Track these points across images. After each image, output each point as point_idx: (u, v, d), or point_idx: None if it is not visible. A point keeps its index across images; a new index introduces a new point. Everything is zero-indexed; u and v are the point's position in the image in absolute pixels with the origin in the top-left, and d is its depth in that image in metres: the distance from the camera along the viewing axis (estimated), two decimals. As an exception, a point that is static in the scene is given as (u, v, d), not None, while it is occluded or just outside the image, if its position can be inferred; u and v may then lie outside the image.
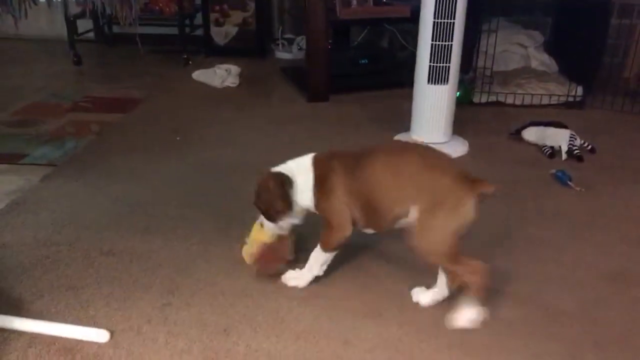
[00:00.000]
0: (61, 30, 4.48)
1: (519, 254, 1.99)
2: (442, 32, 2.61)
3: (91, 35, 4.85)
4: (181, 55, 4.34)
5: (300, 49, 4.50)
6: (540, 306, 1.73)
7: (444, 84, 2.72)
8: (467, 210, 1.53)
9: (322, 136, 3.03)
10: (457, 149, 2.82)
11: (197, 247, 2.02)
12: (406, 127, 2.94)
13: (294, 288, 1.80)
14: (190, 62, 4.30)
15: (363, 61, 3.83)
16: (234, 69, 3.89)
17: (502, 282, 1.80)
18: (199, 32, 4.62)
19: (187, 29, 4.48)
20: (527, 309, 1.72)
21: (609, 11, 3.44)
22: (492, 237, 2.06)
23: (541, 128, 2.87)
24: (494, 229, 2.11)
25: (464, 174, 1.56)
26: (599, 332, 1.63)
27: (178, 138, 2.97)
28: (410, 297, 1.74)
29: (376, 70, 3.87)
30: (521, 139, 2.93)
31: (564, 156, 2.74)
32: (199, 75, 3.95)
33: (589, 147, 2.80)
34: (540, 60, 3.84)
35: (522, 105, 3.44)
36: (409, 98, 2.89)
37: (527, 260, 1.95)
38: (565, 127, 2.85)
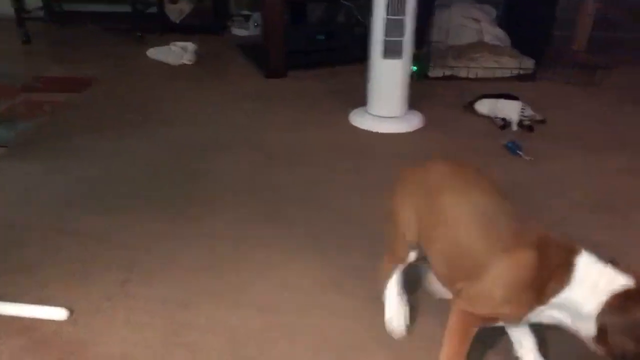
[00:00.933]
0: (8, 8, 4.33)
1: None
2: (395, 6, 2.64)
3: (41, 13, 4.70)
4: (135, 33, 4.25)
5: (257, 25, 4.46)
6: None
7: (398, 58, 2.76)
8: None
9: (280, 112, 3.04)
10: (412, 122, 2.87)
11: (156, 224, 2.02)
12: (362, 102, 2.98)
13: (254, 263, 1.83)
14: (145, 40, 4.22)
15: (320, 37, 3.84)
16: (190, 46, 3.84)
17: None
18: (154, 9, 4.53)
19: (141, 7, 4.38)
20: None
21: (558, -15, 3.54)
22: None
23: (493, 100, 2.95)
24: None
25: None
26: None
27: (134, 117, 2.94)
28: (369, 270, 1.78)
29: (333, 46, 3.88)
30: (474, 111, 3.00)
31: (514, 127, 2.83)
32: (154, 53, 3.89)
33: (539, 118, 2.89)
34: (493, 34, 3.92)
35: (476, 79, 3.51)
36: (364, 73, 2.93)
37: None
38: (516, 98, 2.93)
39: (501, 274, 1.20)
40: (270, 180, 2.34)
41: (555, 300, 1.17)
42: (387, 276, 1.54)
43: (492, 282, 1.20)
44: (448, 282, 1.36)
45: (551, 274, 1.16)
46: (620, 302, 1.10)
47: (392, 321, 1.53)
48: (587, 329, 1.15)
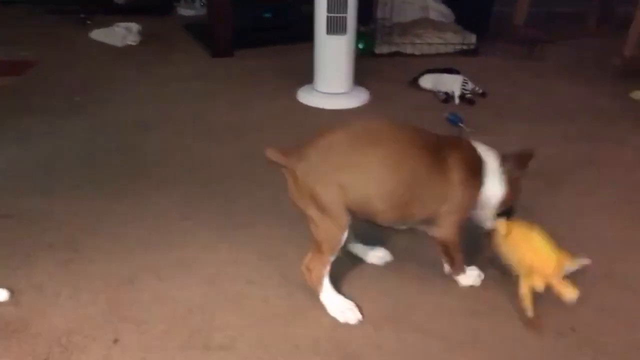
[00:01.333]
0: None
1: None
2: (337, -18, 2.67)
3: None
4: (78, 15, 4.15)
5: (203, 5, 4.41)
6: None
7: (342, 34, 2.79)
8: None
9: (227, 91, 3.04)
10: (358, 98, 2.92)
11: (100, 203, 2.01)
12: (309, 79, 3.00)
13: (199, 238, 1.85)
14: (88, 22, 4.13)
15: (267, 15, 3.83)
16: (135, 27, 3.78)
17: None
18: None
19: (83, -13, 4.28)
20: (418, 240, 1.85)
21: (498, -39, 3.62)
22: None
23: (436, 75, 3.02)
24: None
25: None
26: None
27: (77, 98, 2.89)
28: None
29: (281, 24, 3.88)
30: (418, 86, 3.07)
31: (457, 100, 2.91)
32: (98, 34, 3.81)
33: (480, 91, 2.98)
34: (438, 10, 3.99)
35: (421, 55, 3.58)
36: (312, 51, 2.95)
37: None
38: (458, 73, 3.01)
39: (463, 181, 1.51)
40: (215, 157, 2.35)
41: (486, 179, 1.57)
42: (322, 275, 1.53)
43: (462, 194, 1.52)
44: (404, 218, 1.54)
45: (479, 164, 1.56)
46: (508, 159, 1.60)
47: (345, 314, 1.53)
48: (496, 189, 1.57)
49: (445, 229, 1.57)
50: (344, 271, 1.68)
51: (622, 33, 3.33)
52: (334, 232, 1.48)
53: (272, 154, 1.49)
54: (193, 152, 2.39)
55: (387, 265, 1.74)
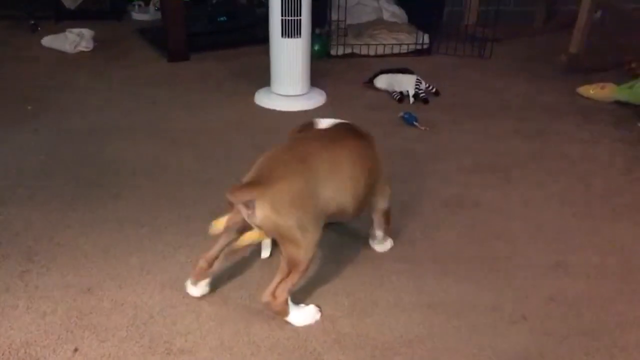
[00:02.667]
0: None
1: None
2: (290, -14, 2.69)
3: None
4: (28, 21, 4.06)
5: (158, 9, 4.37)
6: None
7: (297, 37, 2.81)
8: None
9: (183, 95, 3.02)
10: (315, 99, 2.95)
11: (56, 213, 1.99)
12: (266, 82, 3.02)
13: (157, 245, 1.85)
14: (39, 28, 4.04)
15: (221, 18, 3.83)
16: (87, 32, 3.72)
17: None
18: (47, -5, 4.33)
19: (32, -7, 4.19)
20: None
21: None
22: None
23: (390, 75, 3.08)
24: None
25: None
26: (437, 250, 1.85)
27: (29, 107, 2.83)
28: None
29: (236, 27, 3.88)
30: (374, 87, 3.12)
31: (411, 100, 2.97)
32: (49, 41, 3.74)
33: (434, 90, 3.05)
34: (391, 11, 4.05)
35: (376, 55, 3.63)
36: (268, 53, 2.96)
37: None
38: (412, 72, 3.07)
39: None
40: (170, 163, 2.35)
41: None
42: (287, 298, 1.51)
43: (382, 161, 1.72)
44: (366, 206, 1.68)
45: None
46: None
47: (310, 316, 1.56)
48: None
49: (386, 196, 1.74)
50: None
51: (568, 31, 3.46)
52: (314, 249, 1.49)
53: (237, 195, 1.43)
54: (149, 158, 2.38)
55: (340, 265, 1.77)
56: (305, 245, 1.45)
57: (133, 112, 2.80)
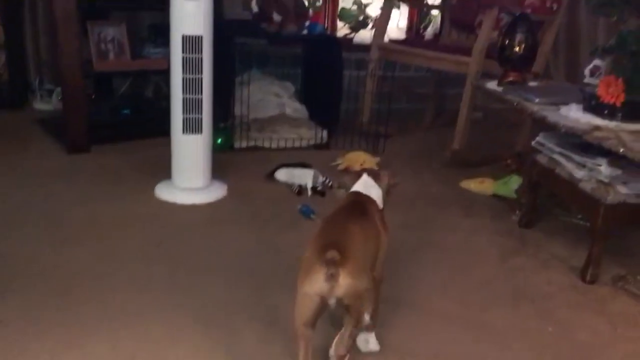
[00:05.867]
0: None
1: (262, 281, 2.23)
2: (191, 86, 2.83)
3: None
4: None
5: (61, 99, 4.36)
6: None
7: (198, 133, 2.92)
8: None
9: (82, 188, 3.01)
10: (215, 192, 3.03)
11: None
12: (168, 175, 3.07)
13: (44, 347, 1.80)
14: None
15: (125, 111, 3.88)
16: (-18, 122, 3.65)
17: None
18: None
19: None
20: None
21: (342, 66, 4.03)
22: (243, 268, 2.30)
23: (290, 169, 3.24)
24: (244, 260, 2.38)
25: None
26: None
27: None
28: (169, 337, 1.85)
29: (139, 119, 3.93)
30: (274, 180, 3.25)
31: (309, 192, 3.12)
32: (-60, 130, 3.62)
33: (330, 183, 3.22)
34: (293, 107, 4.28)
35: (278, 149, 3.80)
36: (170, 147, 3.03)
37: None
38: (310, 166, 3.24)
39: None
40: (66, 261, 2.30)
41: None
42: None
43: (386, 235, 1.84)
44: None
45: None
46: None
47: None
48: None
49: (380, 268, 1.84)
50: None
51: (452, 128, 3.80)
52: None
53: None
54: (43, 256, 2.33)
55: None
56: (368, 299, 1.69)
57: (26, 205, 2.75)
